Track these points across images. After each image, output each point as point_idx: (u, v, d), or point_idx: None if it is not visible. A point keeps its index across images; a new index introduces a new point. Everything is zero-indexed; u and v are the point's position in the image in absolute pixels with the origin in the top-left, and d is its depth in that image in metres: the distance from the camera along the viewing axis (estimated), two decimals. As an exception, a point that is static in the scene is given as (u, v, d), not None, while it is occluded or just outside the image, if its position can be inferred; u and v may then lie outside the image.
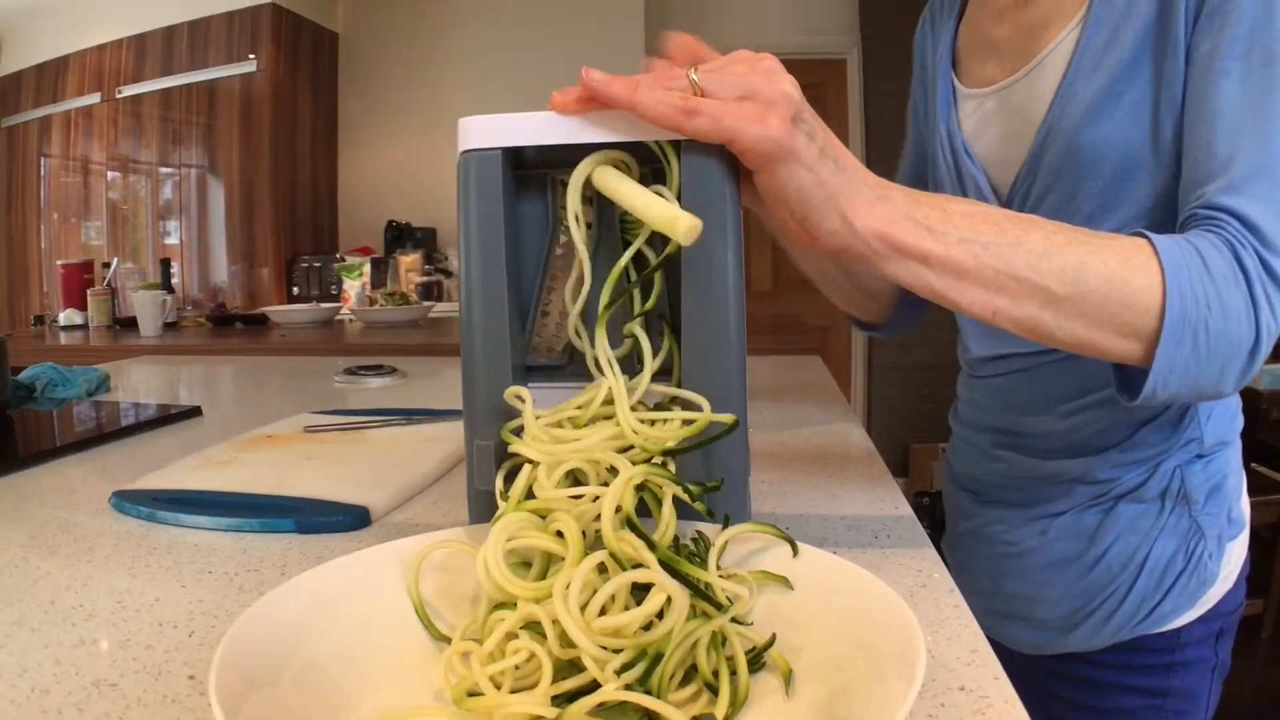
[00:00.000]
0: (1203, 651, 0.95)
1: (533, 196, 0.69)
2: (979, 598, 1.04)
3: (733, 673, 0.48)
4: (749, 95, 0.59)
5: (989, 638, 0.57)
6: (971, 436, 1.12)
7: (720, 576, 0.53)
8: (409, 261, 4.14)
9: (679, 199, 0.61)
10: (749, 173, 0.62)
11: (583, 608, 0.48)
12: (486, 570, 0.51)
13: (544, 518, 0.54)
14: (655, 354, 0.63)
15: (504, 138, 0.63)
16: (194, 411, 1.40)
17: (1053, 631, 1.00)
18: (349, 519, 0.83)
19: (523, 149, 0.65)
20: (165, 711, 0.51)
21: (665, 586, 0.48)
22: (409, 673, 0.52)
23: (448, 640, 0.54)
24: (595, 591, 0.48)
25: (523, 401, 0.60)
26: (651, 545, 0.50)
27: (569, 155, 0.63)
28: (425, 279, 4.06)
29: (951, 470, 1.18)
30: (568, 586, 0.48)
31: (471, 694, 0.47)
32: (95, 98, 4.47)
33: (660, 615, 0.48)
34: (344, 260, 4.16)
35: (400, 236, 4.48)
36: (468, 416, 0.64)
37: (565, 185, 0.65)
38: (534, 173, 0.68)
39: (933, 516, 3.39)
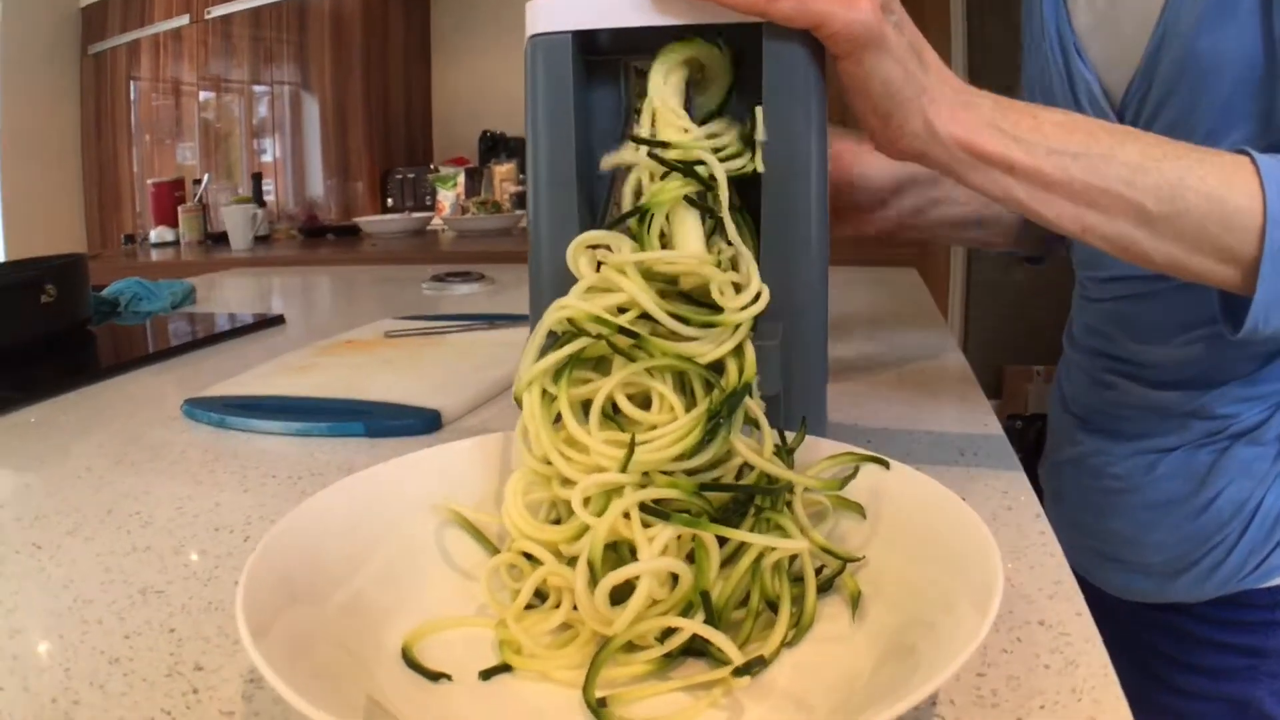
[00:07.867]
0: None
1: (605, 84, 0.64)
2: (1076, 533, 0.97)
3: (799, 596, 0.45)
4: None
5: (1083, 579, 0.53)
6: (1083, 360, 1.03)
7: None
8: (503, 171, 4.11)
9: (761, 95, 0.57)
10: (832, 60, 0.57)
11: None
12: (513, 521, 0.49)
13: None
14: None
15: (574, 20, 0.59)
16: (277, 320, 1.40)
17: (1154, 578, 0.93)
18: (419, 422, 0.81)
19: (595, 33, 0.60)
20: (208, 618, 0.50)
21: (669, 568, 0.43)
22: (451, 584, 0.50)
23: (494, 549, 0.51)
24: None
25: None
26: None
27: (645, 39, 0.58)
28: (520, 188, 4.04)
29: (1061, 392, 1.10)
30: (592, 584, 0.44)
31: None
32: (184, 19, 4.48)
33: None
34: (438, 171, 4.16)
35: (495, 147, 4.45)
36: (534, 319, 0.60)
37: (640, 73, 0.60)
38: (607, 58, 0.63)
39: (1024, 440, 3.14)
